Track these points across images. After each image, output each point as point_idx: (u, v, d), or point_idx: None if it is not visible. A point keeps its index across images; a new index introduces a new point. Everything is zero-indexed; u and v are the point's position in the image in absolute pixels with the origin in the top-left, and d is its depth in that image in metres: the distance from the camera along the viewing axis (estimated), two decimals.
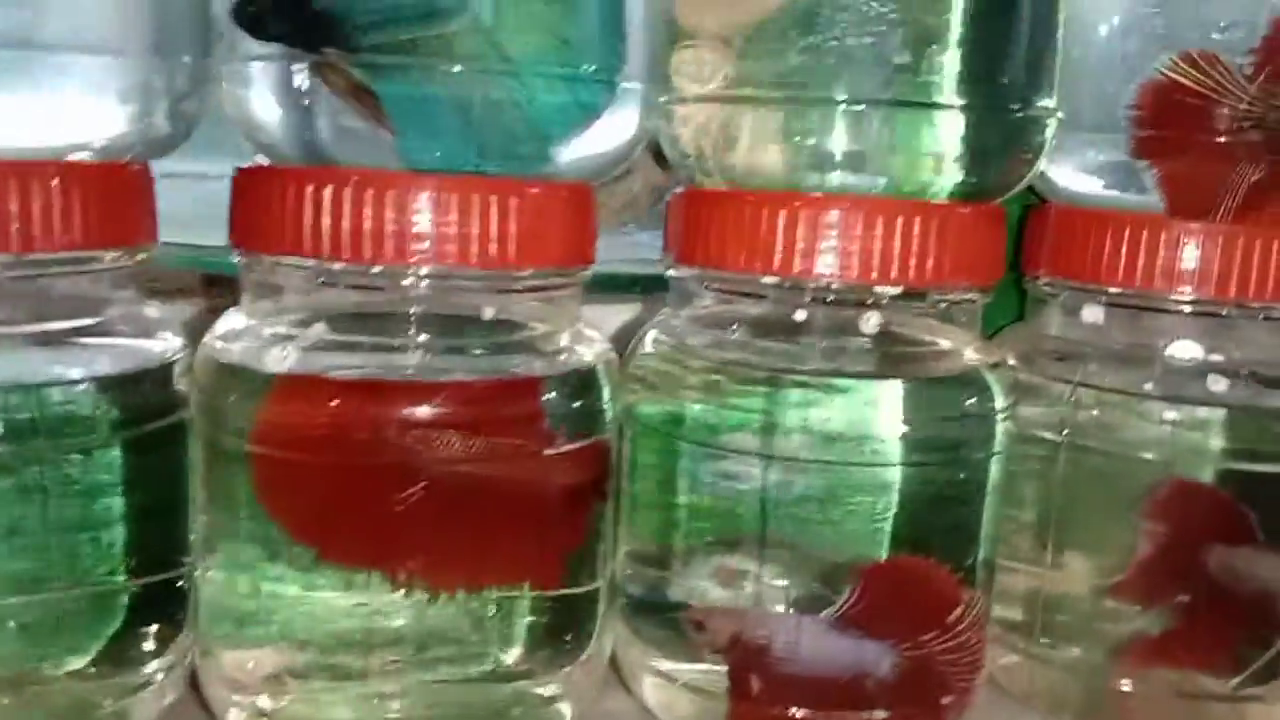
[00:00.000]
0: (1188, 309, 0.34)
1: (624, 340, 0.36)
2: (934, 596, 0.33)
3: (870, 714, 0.33)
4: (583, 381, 0.33)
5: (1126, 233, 0.35)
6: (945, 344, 0.34)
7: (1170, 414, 0.35)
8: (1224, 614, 0.37)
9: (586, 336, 0.34)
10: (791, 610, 0.33)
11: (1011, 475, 0.37)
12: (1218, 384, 0.34)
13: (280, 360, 0.31)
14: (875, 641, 0.32)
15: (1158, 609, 0.37)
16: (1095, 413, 0.36)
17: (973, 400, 0.34)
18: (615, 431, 0.34)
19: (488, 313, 0.31)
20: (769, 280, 0.32)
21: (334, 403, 0.30)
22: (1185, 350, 0.35)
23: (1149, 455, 0.35)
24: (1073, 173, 0.37)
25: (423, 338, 0.31)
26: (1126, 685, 0.37)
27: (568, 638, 0.34)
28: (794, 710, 0.33)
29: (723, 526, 0.34)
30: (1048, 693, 0.38)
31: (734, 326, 0.34)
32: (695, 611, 0.33)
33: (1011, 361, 0.38)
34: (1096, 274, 0.35)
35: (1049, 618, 0.38)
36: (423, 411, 0.30)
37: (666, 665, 0.34)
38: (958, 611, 0.33)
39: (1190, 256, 0.34)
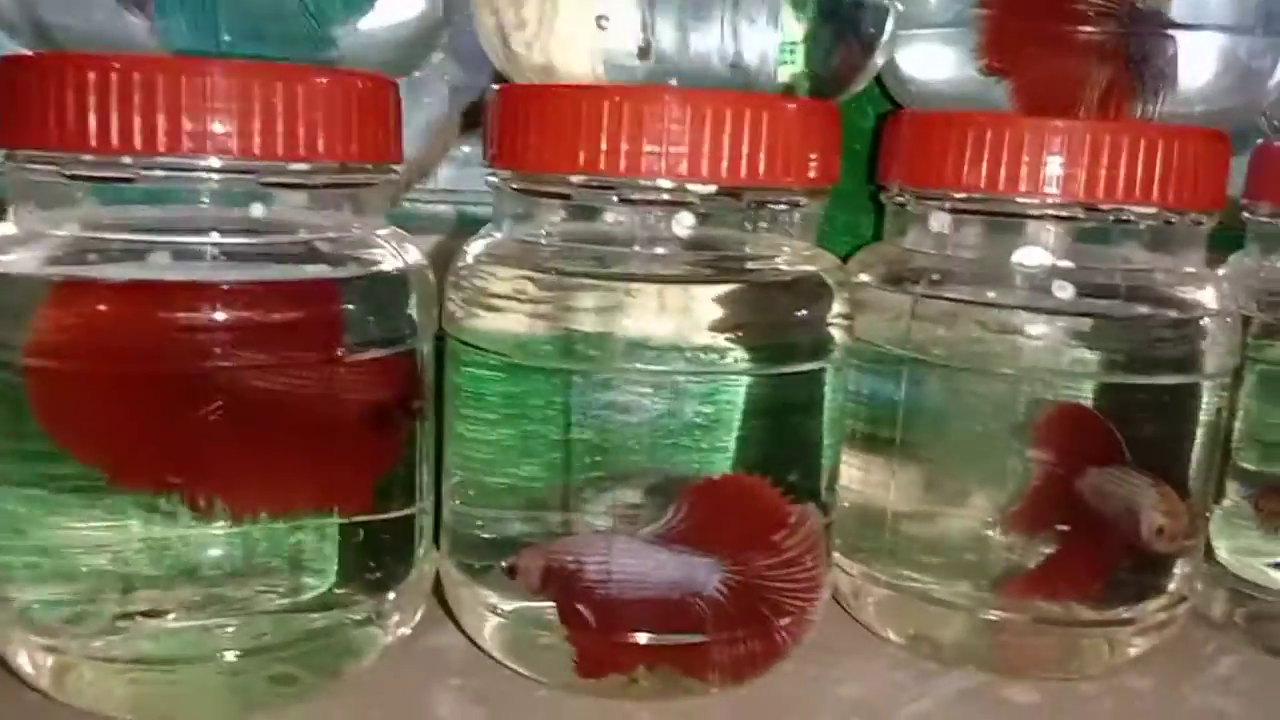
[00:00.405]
0: (1035, 214, 0.32)
1: None
2: (759, 514, 0.31)
3: (707, 635, 0.31)
4: (386, 289, 0.31)
5: (970, 135, 0.32)
6: (773, 250, 0.32)
7: (1015, 324, 0.32)
8: (1096, 539, 0.35)
9: (395, 244, 0.32)
10: (615, 533, 0.31)
11: (860, 392, 0.36)
12: (1064, 291, 0.32)
13: (48, 265, 0.29)
14: (701, 558, 0.30)
15: (1039, 539, 0.35)
16: (940, 327, 0.34)
17: (802, 309, 0.32)
18: (427, 346, 0.32)
19: (257, 210, 0.29)
20: (577, 179, 0.30)
21: (102, 307, 0.28)
22: (1032, 257, 0.33)
23: (999, 369, 0.33)
24: (926, 74, 0.35)
25: (206, 238, 0.29)
26: (995, 615, 0.35)
27: (383, 565, 0.33)
28: (633, 635, 0.31)
29: (538, 448, 0.32)
30: (908, 622, 0.36)
31: (545, 232, 0.32)
32: (509, 560, 0.32)
33: (864, 277, 0.36)
34: (942, 179, 0.33)
35: (902, 543, 0.36)
36: (206, 314, 0.28)
37: (495, 599, 0.32)
38: (785, 530, 0.31)
39: (1036, 158, 0.32)
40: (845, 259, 0.37)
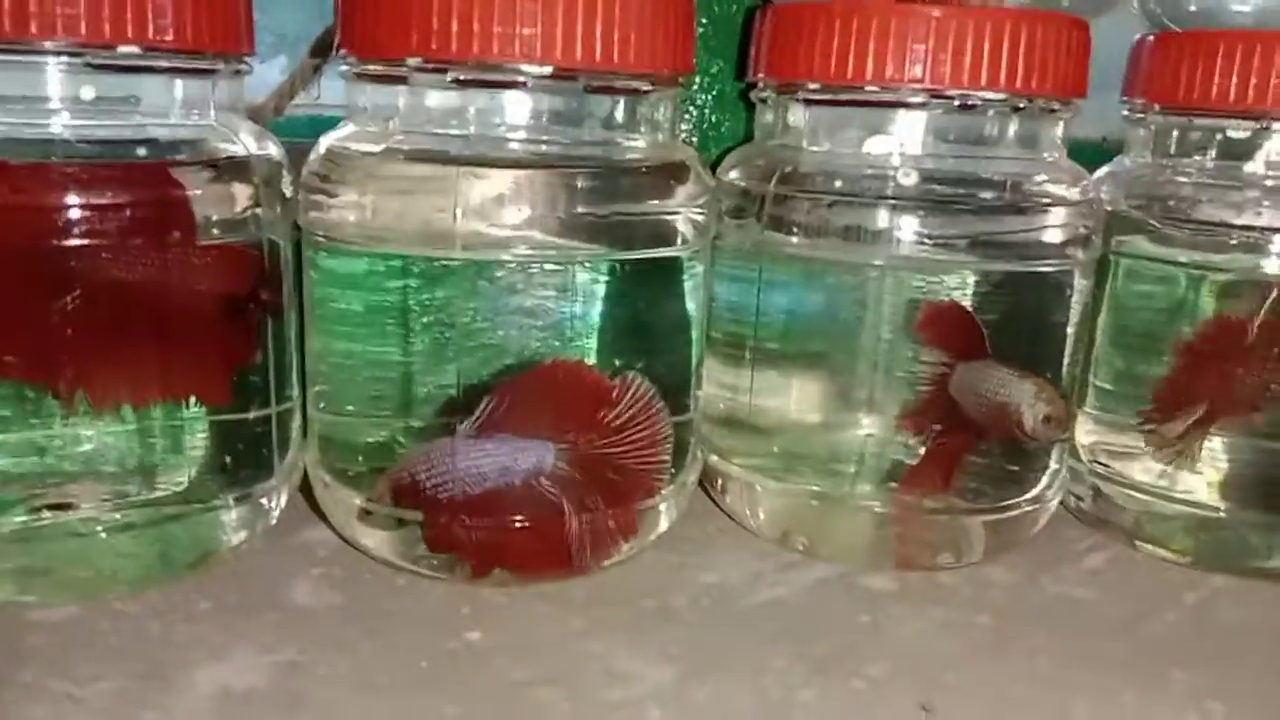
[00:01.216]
0: (883, 100, 0.32)
1: None
2: (578, 391, 0.31)
3: (557, 518, 0.31)
4: (232, 175, 0.31)
5: (820, 24, 0.32)
6: (624, 138, 0.32)
7: (866, 215, 0.32)
8: (968, 433, 0.35)
9: (246, 132, 0.32)
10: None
11: (722, 294, 0.36)
12: (908, 177, 0.32)
13: None
14: (529, 441, 0.31)
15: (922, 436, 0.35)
16: (793, 223, 0.34)
17: (653, 197, 0.32)
18: (280, 239, 0.33)
19: (87, 92, 0.29)
20: (412, 62, 0.30)
21: None
22: (880, 146, 0.33)
23: (850, 263, 0.33)
24: None
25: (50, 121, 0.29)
26: (877, 507, 0.35)
27: (244, 460, 0.33)
28: (480, 522, 0.31)
29: (388, 347, 0.32)
30: (780, 517, 0.36)
31: (388, 119, 0.32)
32: (363, 504, 0.32)
33: (730, 175, 0.36)
34: (796, 70, 0.33)
35: (769, 441, 0.36)
36: (49, 195, 0.28)
37: (361, 500, 0.33)
38: (608, 403, 0.31)
39: (883, 46, 0.31)
40: None
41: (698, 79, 0.41)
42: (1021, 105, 0.32)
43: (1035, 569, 0.36)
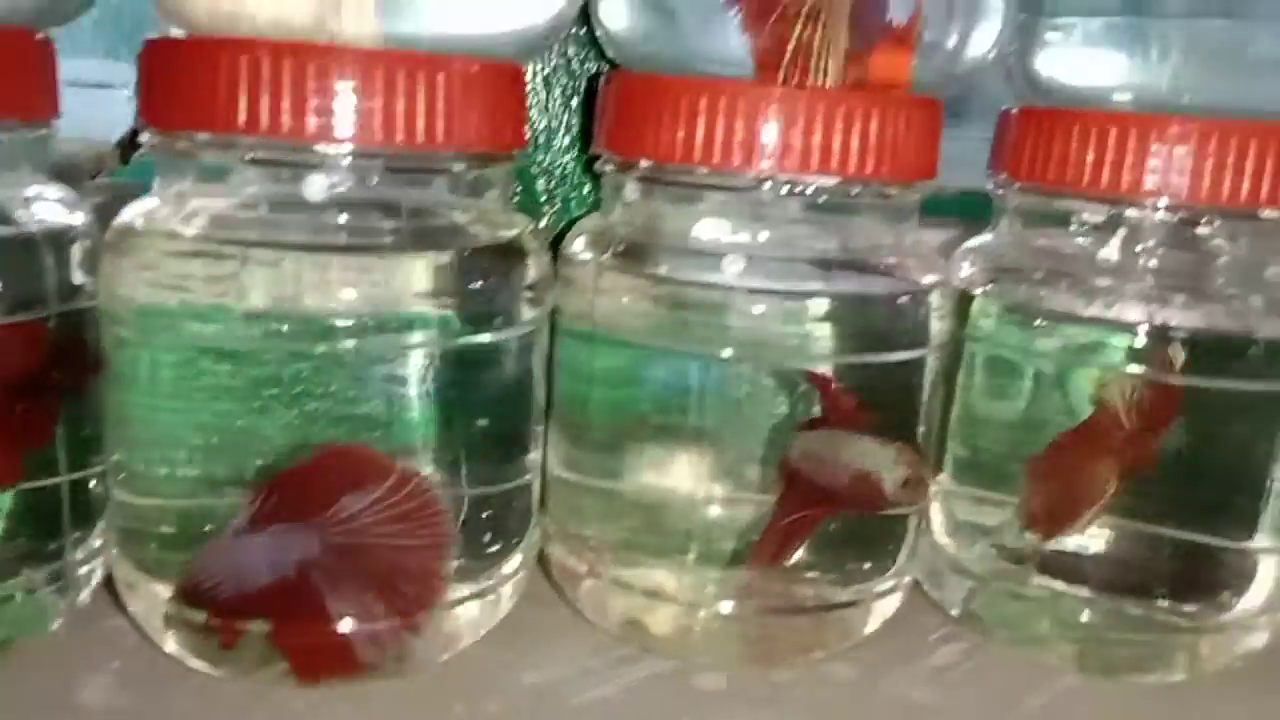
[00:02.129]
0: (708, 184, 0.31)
1: None
2: (348, 481, 0.29)
3: (329, 610, 0.29)
4: (22, 250, 0.29)
5: (656, 98, 0.31)
6: (447, 216, 0.31)
7: (683, 298, 0.31)
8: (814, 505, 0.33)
9: (50, 204, 0.30)
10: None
11: (561, 368, 0.34)
12: (734, 265, 0.31)
13: None
14: (295, 533, 0.29)
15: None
16: (621, 300, 0.32)
17: (486, 277, 0.30)
18: (78, 314, 0.31)
19: None
20: (202, 138, 0.28)
21: None
22: (707, 229, 0.31)
23: (666, 345, 0.32)
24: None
25: None
26: (719, 597, 0.33)
27: (45, 541, 0.31)
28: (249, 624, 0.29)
29: (198, 434, 0.30)
30: (617, 609, 0.35)
31: (182, 194, 0.30)
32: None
33: (571, 248, 0.34)
34: (629, 146, 0.32)
35: (608, 527, 0.34)
36: None
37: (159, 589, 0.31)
38: (385, 496, 0.29)
39: (717, 125, 0.30)
40: None
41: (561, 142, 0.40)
42: (856, 191, 0.31)
43: (880, 664, 0.34)
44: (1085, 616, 0.35)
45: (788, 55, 0.32)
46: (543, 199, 0.41)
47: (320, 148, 0.28)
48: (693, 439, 0.33)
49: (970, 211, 0.39)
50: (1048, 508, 0.35)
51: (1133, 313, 0.32)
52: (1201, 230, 0.32)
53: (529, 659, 0.33)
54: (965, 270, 0.36)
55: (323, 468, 0.29)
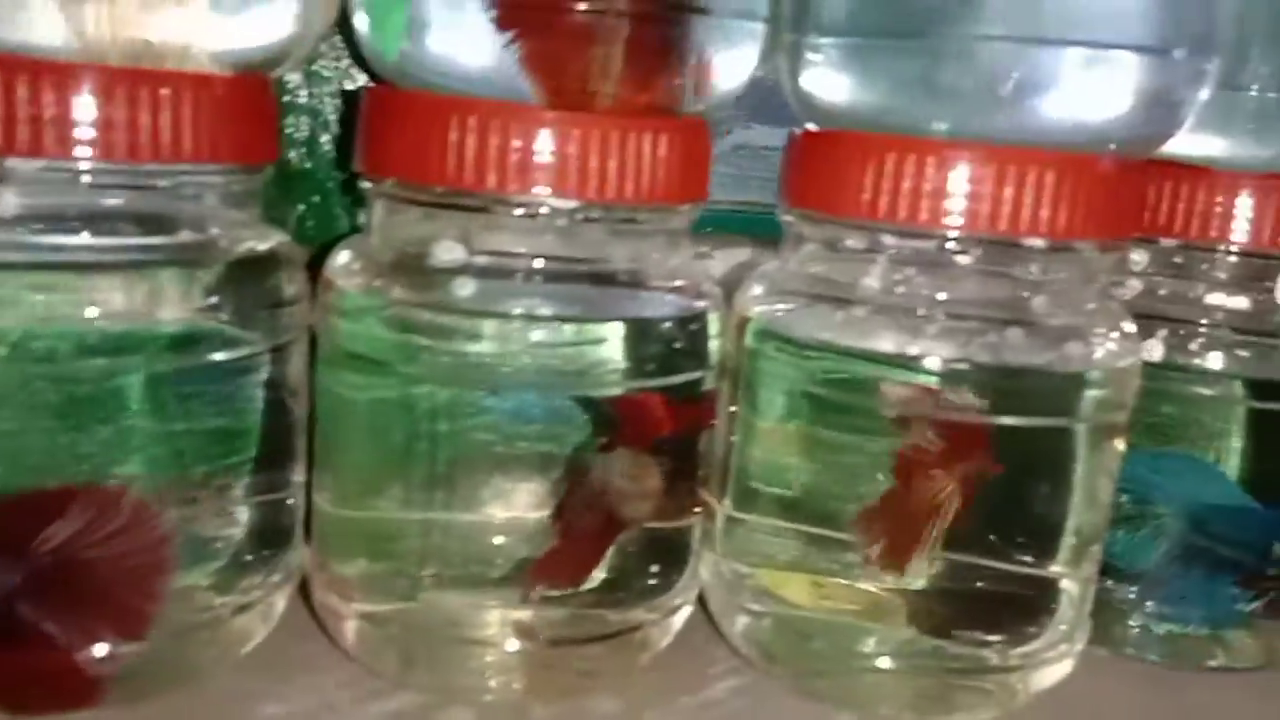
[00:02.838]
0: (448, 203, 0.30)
1: None
2: (43, 508, 0.28)
3: (40, 638, 0.28)
4: None
5: (399, 115, 0.30)
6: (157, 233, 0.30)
7: (417, 321, 0.30)
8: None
9: None
10: None
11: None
12: (464, 289, 0.30)
13: None
14: None
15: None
16: (365, 323, 0.31)
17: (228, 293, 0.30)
18: None
19: None
20: None
21: None
22: (448, 251, 0.30)
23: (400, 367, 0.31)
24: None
25: None
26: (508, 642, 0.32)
27: None
28: None
29: None
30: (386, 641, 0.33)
31: None
32: None
33: (330, 267, 0.33)
34: (376, 164, 0.31)
35: (357, 550, 0.33)
36: None
37: None
38: (87, 521, 0.28)
39: (461, 144, 0.29)
40: None
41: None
42: (595, 216, 0.30)
43: (648, 698, 0.33)
44: (872, 648, 0.34)
45: (561, 77, 0.31)
46: (307, 215, 0.40)
47: (65, 163, 0.27)
48: (451, 468, 0.32)
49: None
50: (889, 545, 0.34)
51: (886, 342, 0.31)
52: (962, 259, 0.31)
53: (275, 690, 0.32)
54: (750, 293, 0.35)
55: (26, 498, 0.28)
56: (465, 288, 0.29)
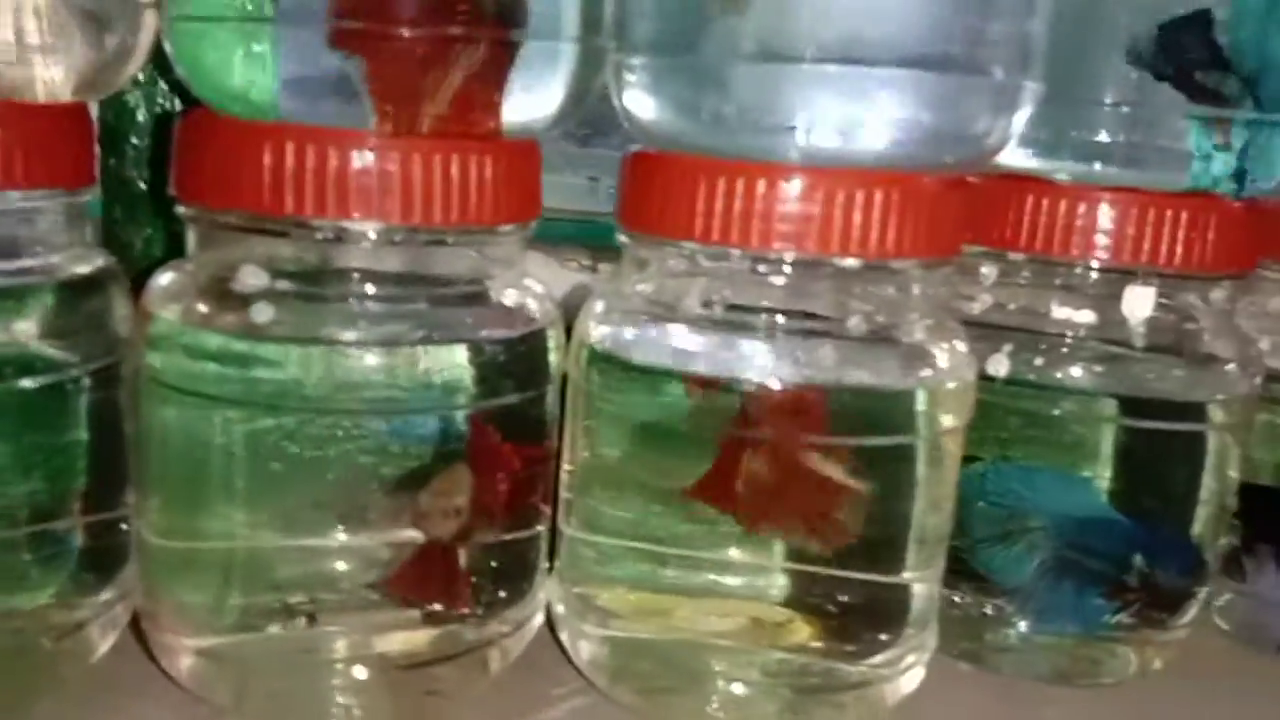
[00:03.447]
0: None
1: None
2: None
3: None
4: None
5: (212, 140, 0.30)
6: None
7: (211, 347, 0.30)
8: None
9: None
10: None
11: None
12: (262, 314, 0.29)
13: None
14: None
15: None
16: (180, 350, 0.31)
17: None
18: None
19: None
20: None
21: None
22: (252, 276, 0.30)
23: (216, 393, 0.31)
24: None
25: None
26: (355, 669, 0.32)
27: None
28: None
29: None
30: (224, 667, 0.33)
31: None
32: None
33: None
34: (188, 191, 0.31)
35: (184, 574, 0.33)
36: None
37: None
38: None
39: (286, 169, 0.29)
40: None
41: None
42: (398, 238, 0.30)
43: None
44: (723, 668, 0.34)
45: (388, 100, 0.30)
46: (153, 239, 0.40)
47: None
48: (272, 495, 0.32)
49: None
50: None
51: (707, 363, 0.31)
52: (776, 279, 0.31)
53: (97, 717, 0.32)
54: (588, 315, 0.35)
55: None
56: (263, 313, 0.29)
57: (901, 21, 0.29)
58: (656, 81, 0.31)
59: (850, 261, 0.30)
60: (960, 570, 0.38)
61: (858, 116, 0.29)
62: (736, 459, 0.31)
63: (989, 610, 0.38)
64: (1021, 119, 0.31)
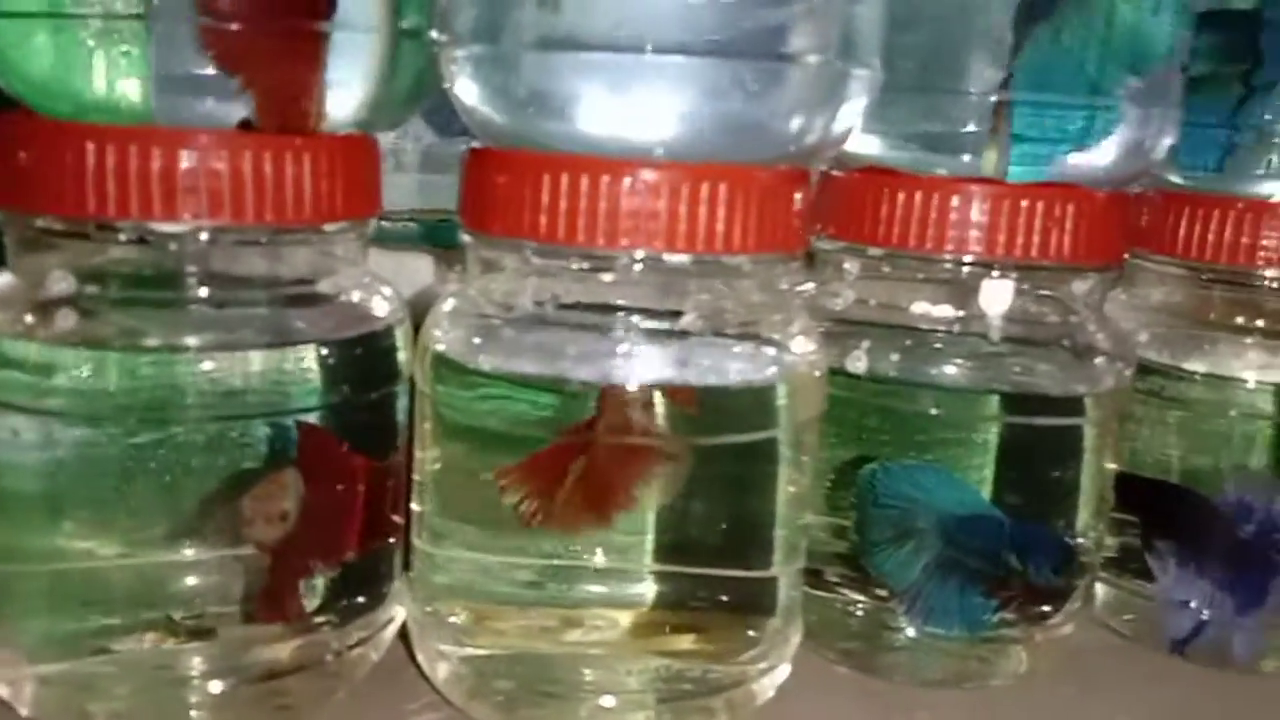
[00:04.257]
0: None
1: None
2: None
3: None
4: None
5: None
6: None
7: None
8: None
9: None
10: None
11: None
12: (66, 319, 0.29)
13: None
14: None
15: None
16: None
17: None
18: None
19: None
20: None
21: None
22: (58, 282, 0.29)
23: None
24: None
25: None
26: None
27: None
28: None
29: None
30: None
31: None
32: None
33: None
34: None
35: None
36: None
37: None
38: None
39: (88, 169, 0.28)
40: None
41: None
42: (205, 238, 0.29)
43: None
44: (588, 678, 0.33)
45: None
46: None
47: None
48: (105, 511, 0.31)
49: None
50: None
51: (541, 365, 0.30)
52: (605, 277, 0.30)
53: None
54: (432, 317, 0.34)
55: None
56: (66, 319, 0.28)
57: (691, 8, 0.28)
58: (475, 71, 0.30)
59: (680, 258, 0.30)
60: (855, 576, 0.37)
61: (642, 105, 0.28)
62: (561, 454, 0.30)
63: (884, 615, 0.38)
64: (855, 108, 0.31)
